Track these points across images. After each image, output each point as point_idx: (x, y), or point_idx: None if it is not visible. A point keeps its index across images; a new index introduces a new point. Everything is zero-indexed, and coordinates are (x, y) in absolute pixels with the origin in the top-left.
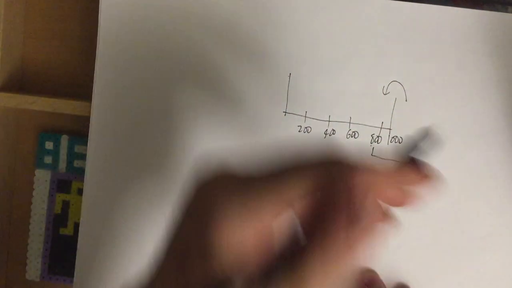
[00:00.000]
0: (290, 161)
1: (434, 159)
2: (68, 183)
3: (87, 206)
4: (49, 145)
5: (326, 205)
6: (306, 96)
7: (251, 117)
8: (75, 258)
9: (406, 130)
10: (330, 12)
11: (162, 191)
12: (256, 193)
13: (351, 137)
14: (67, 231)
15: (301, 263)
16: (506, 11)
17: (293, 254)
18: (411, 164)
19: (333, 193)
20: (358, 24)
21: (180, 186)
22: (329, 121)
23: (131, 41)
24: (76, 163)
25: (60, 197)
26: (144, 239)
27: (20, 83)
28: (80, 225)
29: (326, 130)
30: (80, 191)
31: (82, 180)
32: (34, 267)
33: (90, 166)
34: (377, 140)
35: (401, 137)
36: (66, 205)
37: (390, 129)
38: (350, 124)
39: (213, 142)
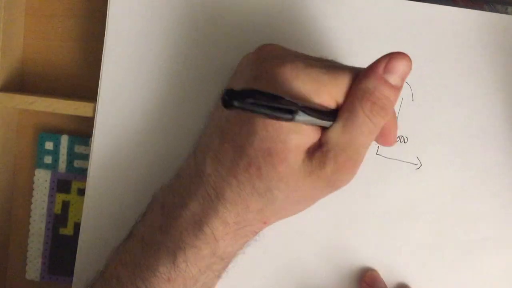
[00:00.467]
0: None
1: (436, 158)
2: (68, 183)
3: (88, 206)
4: (49, 145)
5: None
6: None
7: None
8: (75, 258)
9: (412, 130)
10: (336, 11)
11: None
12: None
13: None
14: (67, 231)
15: None
16: (506, 11)
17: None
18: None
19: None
20: (365, 23)
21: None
22: None
23: (138, 40)
24: (76, 163)
25: (60, 197)
26: None
27: (20, 83)
28: (81, 225)
29: None
30: (80, 191)
31: (82, 180)
32: (34, 267)
33: (93, 166)
34: None
35: (406, 137)
36: (66, 205)
37: None
38: None
39: None
